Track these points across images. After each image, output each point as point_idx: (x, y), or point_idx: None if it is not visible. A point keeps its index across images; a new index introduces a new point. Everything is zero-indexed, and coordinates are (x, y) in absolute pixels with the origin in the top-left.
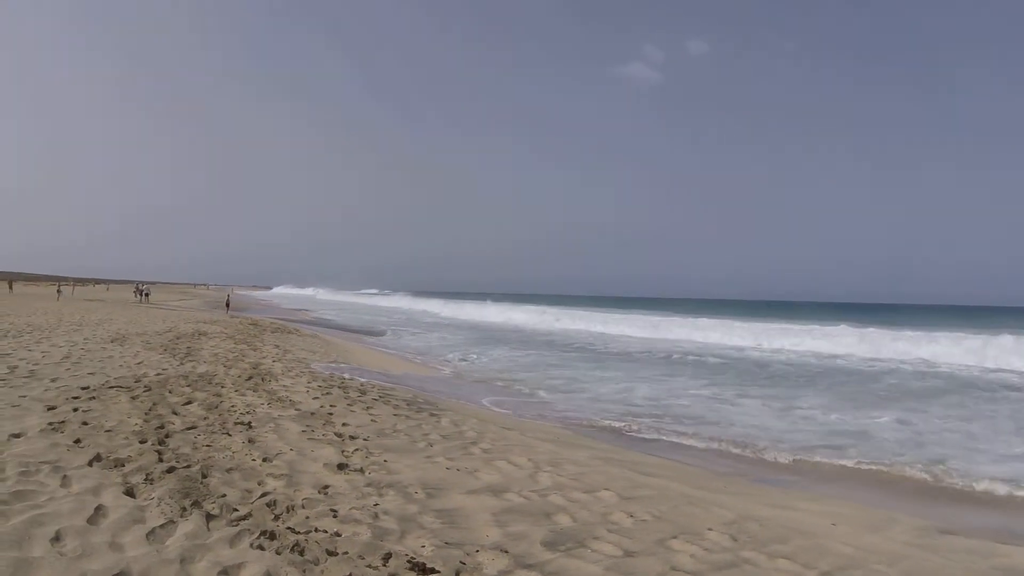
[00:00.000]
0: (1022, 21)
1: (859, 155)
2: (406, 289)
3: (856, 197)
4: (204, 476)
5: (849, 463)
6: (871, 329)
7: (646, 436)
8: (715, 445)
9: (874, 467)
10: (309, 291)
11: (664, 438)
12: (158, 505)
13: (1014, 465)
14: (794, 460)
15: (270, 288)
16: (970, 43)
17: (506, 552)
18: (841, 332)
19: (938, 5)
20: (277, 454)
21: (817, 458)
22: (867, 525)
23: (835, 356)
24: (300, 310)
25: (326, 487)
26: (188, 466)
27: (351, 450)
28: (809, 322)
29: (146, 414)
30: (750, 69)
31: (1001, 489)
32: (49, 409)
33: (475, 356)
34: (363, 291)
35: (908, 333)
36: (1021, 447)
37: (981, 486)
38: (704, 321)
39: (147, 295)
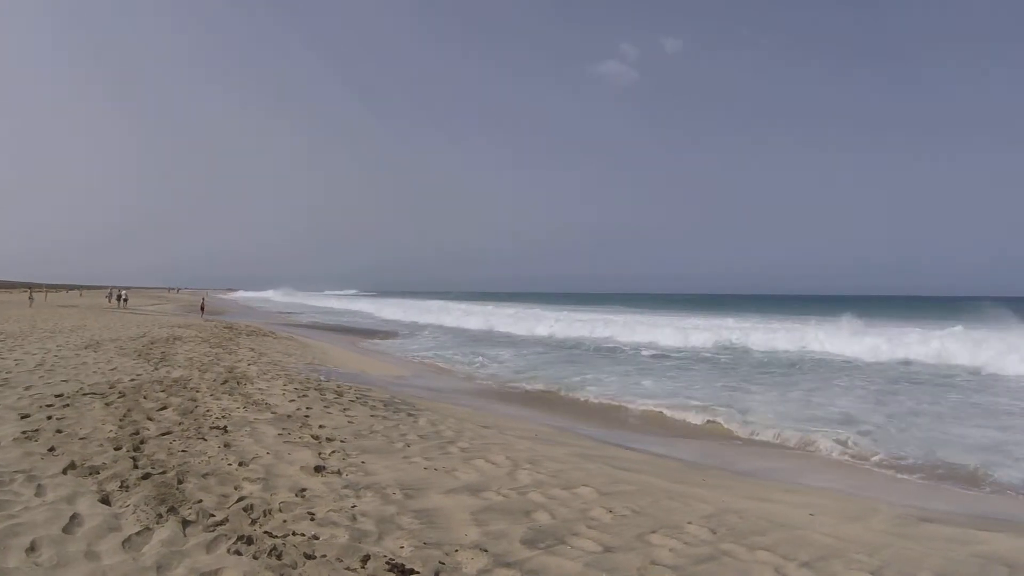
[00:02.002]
0: (1011, 16)
1: (837, 149)
2: (375, 289)
3: (835, 191)
4: (180, 482)
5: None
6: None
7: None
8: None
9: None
10: (268, 293)
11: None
12: (134, 512)
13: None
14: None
15: (235, 291)
16: (949, 40)
17: (485, 551)
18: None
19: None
20: (253, 458)
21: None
22: (846, 515)
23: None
24: (286, 313)
25: (303, 490)
26: (164, 472)
27: (328, 452)
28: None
29: (121, 420)
30: (725, 65)
31: (977, 475)
32: (23, 417)
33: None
34: (327, 292)
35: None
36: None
37: (960, 472)
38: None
39: (125, 300)
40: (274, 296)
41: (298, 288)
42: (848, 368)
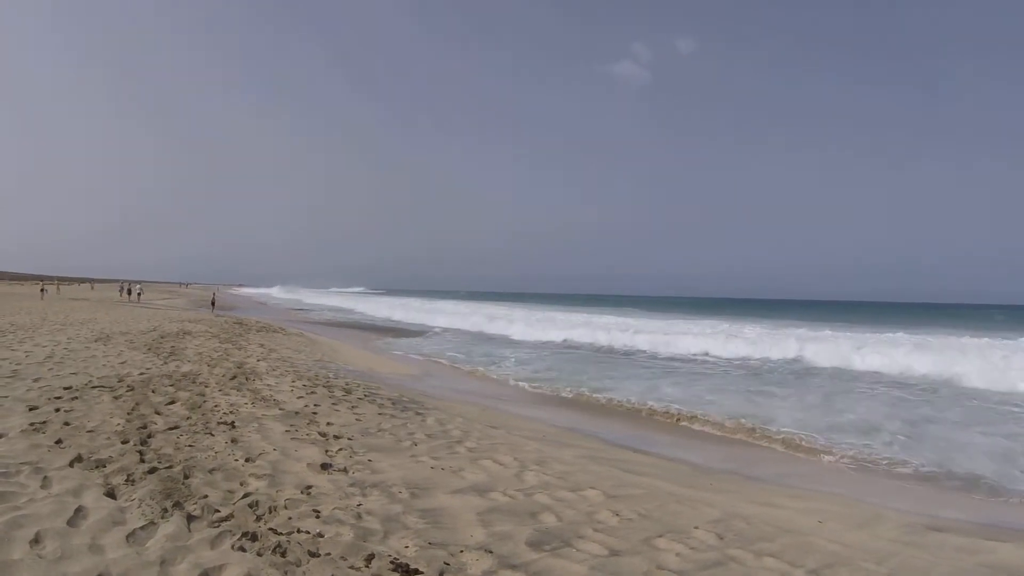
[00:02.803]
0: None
1: (848, 152)
2: (384, 287)
3: (846, 194)
4: (186, 477)
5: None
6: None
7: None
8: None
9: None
10: (273, 290)
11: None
12: (139, 506)
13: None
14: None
15: (243, 287)
16: (966, 41)
17: (491, 552)
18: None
19: (933, 3)
20: (260, 454)
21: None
22: (854, 522)
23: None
24: (296, 310)
25: (309, 487)
26: (170, 467)
27: (335, 450)
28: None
29: (128, 414)
30: (739, 66)
31: (987, 485)
32: (31, 409)
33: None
34: (333, 289)
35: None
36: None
37: (968, 480)
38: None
39: (140, 294)
40: (276, 293)
41: (304, 285)
42: (860, 378)
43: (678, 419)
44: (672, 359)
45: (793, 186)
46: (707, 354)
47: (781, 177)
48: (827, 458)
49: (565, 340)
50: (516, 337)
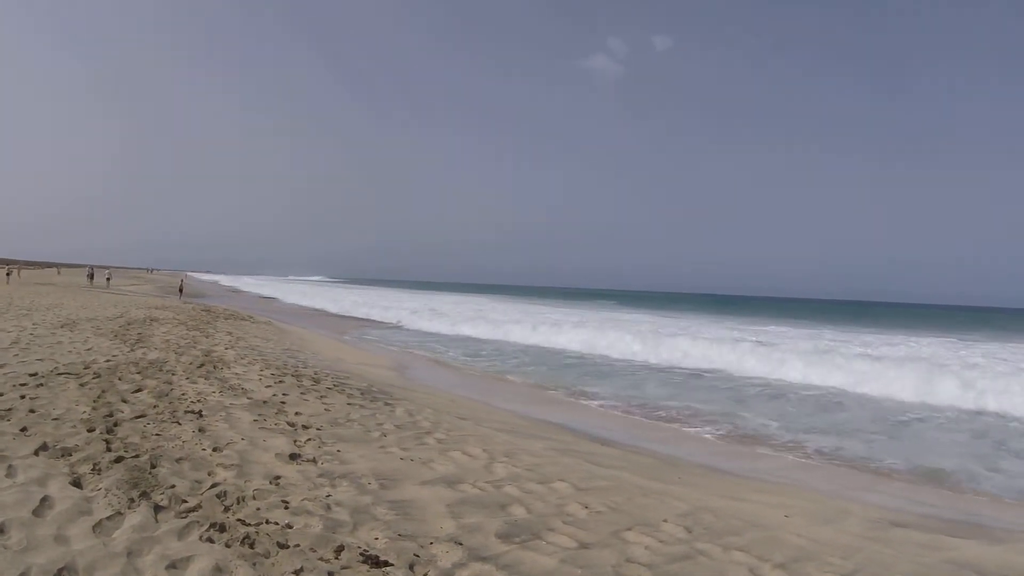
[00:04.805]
0: (1008, 21)
1: (822, 151)
2: (344, 276)
3: (818, 193)
4: (153, 466)
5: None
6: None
7: None
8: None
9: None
10: (219, 277)
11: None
12: (105, 496)
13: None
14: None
15: (209, 273)
16: (940, 45)
17: (460, 544)
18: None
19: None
20: (228, 444)
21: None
22: (820, 517)
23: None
24: (269, 298)
25: (278, 478)
26: (137, 456)
27: (304, 440)
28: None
29: (95, 402)
30: (713, 64)
31: (949, 481)
32: None
33: None
34: (291, 277)
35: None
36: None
37: (932, 478)
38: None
39: (108, 279)
40: (224, 281)
41: (265, 273)
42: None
43: (640, 411)
44: (641, 358)
45: (767, 183)
46: (675, 359)
47: (757, 175)
48: (792, 453)
49: (536, 335)
50: (480, 332)
